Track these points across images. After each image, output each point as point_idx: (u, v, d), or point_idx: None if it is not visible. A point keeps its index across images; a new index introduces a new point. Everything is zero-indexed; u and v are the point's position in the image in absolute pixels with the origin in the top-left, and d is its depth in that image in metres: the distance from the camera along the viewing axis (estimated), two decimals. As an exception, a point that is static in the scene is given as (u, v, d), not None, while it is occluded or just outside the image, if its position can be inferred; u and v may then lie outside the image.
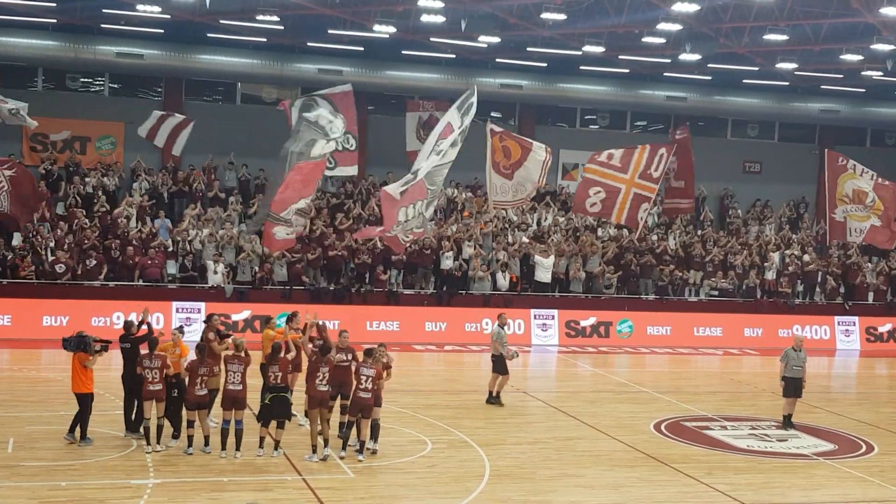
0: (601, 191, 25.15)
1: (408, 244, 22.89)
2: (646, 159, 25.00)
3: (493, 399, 21.21)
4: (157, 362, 15.95)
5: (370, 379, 16.06)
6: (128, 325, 17.05)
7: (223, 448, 15.89)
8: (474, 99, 19.77)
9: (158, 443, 16.05)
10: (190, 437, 16.00)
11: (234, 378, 15.88)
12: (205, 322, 18.07)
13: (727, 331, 31.95)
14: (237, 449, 15.90)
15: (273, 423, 16.05)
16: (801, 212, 40.41)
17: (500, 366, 21.18)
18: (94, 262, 28.03)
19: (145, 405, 16.09)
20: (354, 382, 16.19)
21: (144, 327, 17.05)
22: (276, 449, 16.05)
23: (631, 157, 25.11)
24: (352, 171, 23.77)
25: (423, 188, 18.85)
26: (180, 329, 17.42)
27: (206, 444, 16.06)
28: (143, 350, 16.28)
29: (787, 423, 20.08)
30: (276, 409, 15.93)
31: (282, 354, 16.12)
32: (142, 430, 16.16)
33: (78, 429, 16.34)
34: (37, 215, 27.51)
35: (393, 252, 29.49)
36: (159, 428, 16.15)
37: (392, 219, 18.71)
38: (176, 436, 16.32)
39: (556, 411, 21.04)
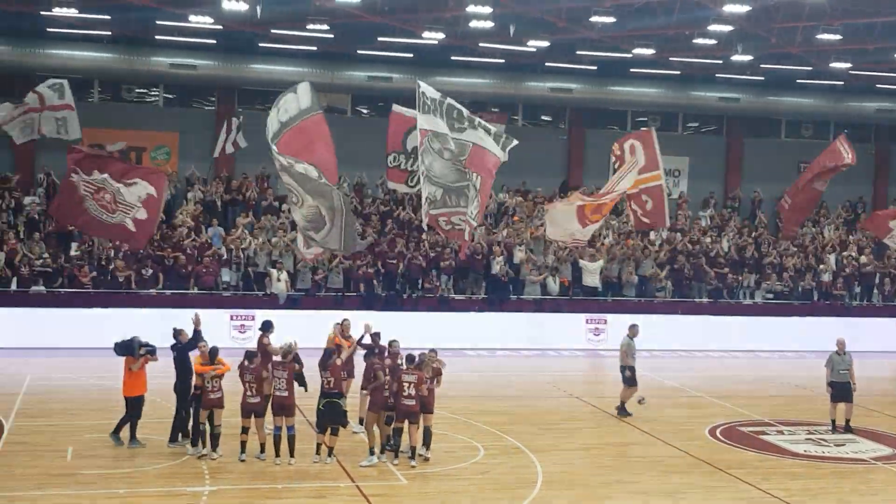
0: (649, 198, 24.57)
1: (470, 240, 22.62)
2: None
3: (622, 410, 20.82)
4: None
5: (412, 385, 16.15)
6: (176, 332, 17.22)
7: (276, 455, 16.02)
8: (420, 89, 19.49)
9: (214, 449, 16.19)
10: (243, 444, 16.14)
11: (279, 384, 15.99)
12: (260, 329, 18.21)
13: (783, 334, 31.55)
14: (290, 455, 16.01)
15: (328, 429, 16.15)
16: (859, 212, 39.77)
17: (630, 377, 20.82)
18: (150, 270, 28.44)
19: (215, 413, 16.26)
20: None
21: (189, 334, 17.17)
22: (329, 455, 16.13)
23: (653, 150, 24.37)
24: (404, 187, 23.74)
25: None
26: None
27: (262, 450, 16.20)
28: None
29: (845, 428, 19.77)
30: (327, 415, 16.04)
31: (333, 360, 16.22)
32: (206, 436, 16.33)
33: (127, 431, 16.69)
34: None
35: (443, 258, 29.67)
36: (215, 437, 16.27)
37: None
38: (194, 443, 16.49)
39: (609, 416, 20.94)
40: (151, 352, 16.96)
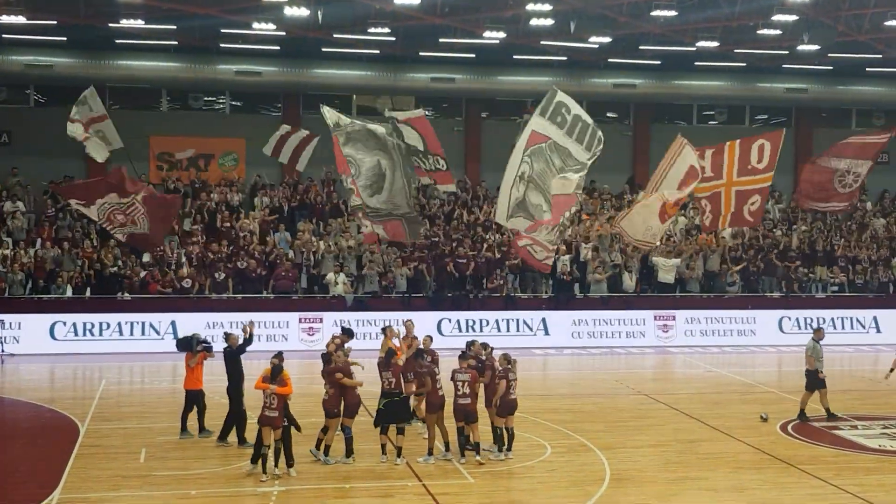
0: (709, 203, 24.31)
1: (545, 259, 22.65)
2: (739, 157, 24.02)
3: (802, 416, 19.98)
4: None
5: (466, 384, 16.22)
6: (227, 336, 17.50)
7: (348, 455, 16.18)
8: (557, 98, 19.39)
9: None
10: (319, 441, 16.32)
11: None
12: (339, 336, 18.35)
13: (857, 327, 31.01)
14: (346, 455, 16.15)
15: (393, 430, 16.24)
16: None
17: (812, 381, 20.14)
18: (223, 275, 28.88)
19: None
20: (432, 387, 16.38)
21: (240, 339, 17.41)
22: (398, 456, 16.19)
23: (722, 158, 24.17)
24: (450, 187, 23.95)
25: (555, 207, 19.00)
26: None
27: (326, 453, 16.29)
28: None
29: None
30: (389, 414, 16.12)
31: (395, 360, 16.31)
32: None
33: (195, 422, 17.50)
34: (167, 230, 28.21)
35: (512, 258, 29.70)
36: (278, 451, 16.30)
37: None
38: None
39: (678, 413, 20.74)
40: (208, 349, 17.56)
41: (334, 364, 16.17)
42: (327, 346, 17.53)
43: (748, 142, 23.68)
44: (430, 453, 16.35)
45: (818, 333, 20.58)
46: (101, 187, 22.48)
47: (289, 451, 15.45)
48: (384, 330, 18.09)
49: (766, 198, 23.83)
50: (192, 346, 17.48)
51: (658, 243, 24.41)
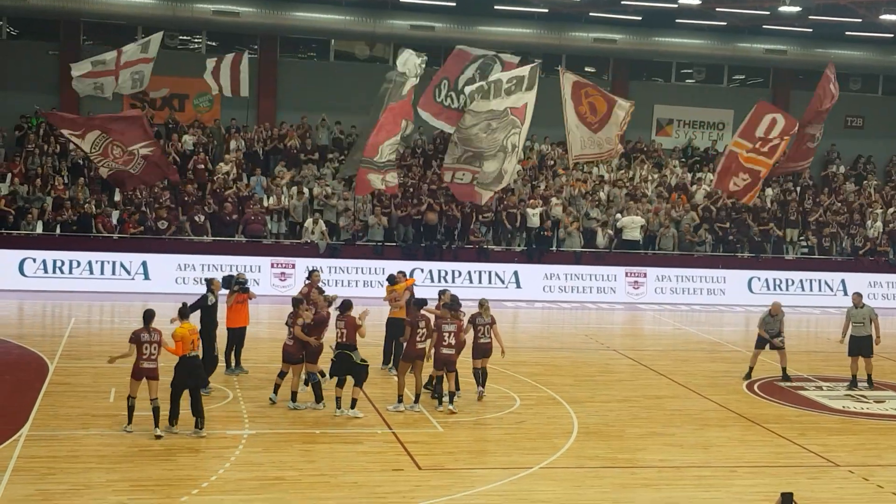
0: (747, 176, 23.59)
1: (488, 199, 23.25)
2: (751, 116, 23.39)
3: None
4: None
5: (452, 335, 16.27)
6: (209, 282, 17.55)
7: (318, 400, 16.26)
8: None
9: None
10: (276, 387, 16.40)
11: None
12: (307, 279, 18.60)
13: (825, 289, 31.35)
14: (316, 401, 16.23)
15: (349, 382, 15.99)
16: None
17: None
18: (202, 217, 28.74)
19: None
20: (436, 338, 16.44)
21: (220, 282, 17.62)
22: (351, 407, 15.95)
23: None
24: (449, 129, 23.84)
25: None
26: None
27: (294, 399, 16.34)
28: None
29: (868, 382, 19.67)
30: (341, 366, 15.89)
31: (349, 312, 15.95)
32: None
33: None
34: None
35: (480, 208, 29.73)
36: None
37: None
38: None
39: (646, 369, 20.94)
40: (244, 290, 17.77)
41: (302, 311, 16.22)
42: (300, 291, 17.56)
43: (764, 108, 23.21)
44: (400, 400, 16.41)
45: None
46: (110, 123, 22.47)
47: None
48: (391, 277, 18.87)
49: (758, 184, 23.24)
50: (229, 285, 17.80)
51: (608, 147, 23.46)
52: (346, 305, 16.04)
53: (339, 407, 15.95)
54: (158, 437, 14.26)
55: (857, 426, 17.04)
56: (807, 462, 14.82)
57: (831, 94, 24.11)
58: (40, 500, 11.79)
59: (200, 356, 15.27)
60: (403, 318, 17.39)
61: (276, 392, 16.43)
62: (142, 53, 27.69)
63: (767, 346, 20.06)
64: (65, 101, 33.74)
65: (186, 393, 14.61)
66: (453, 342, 16.36)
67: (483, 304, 17.40)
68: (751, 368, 20.18)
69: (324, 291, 17.61)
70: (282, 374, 16.36)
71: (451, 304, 16.76)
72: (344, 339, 15.79)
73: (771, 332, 19.94)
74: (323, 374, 16.34)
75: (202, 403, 14.78)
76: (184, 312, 14.99)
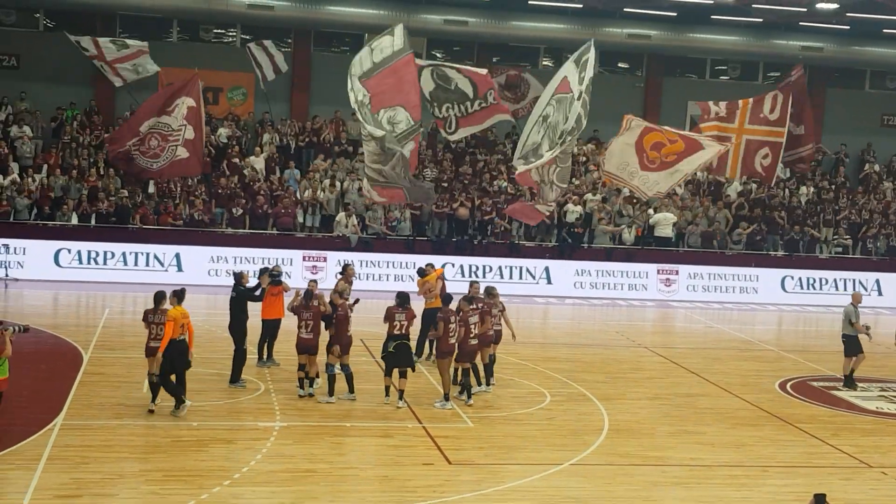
0: (769, 154, 24.19)
1: (546, 215, 22.91)
2: (751, 107, 24.05)
3: (849, 382, 19.59)
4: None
5: (477, 325, 16.53)
6: (237, 276, 17.62)
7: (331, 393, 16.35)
8: (592, 54, 19.49)
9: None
10: (300, 380, 16.53)
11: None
12: (340, 274, 18.68)
13: (859, 289, 31.01)
14: (330, 393, 16.28)
15: (395, 372, 16.35)
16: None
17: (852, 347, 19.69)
18: (240, 210, 28.98)
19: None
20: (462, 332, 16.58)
21: (254, 281, 17.67)
22: (399, 399, 16.31)
23: (735, 108, 24.29)
24: (505, 116, 23.80)
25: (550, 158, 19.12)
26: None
27: (311, 384, 16.51)
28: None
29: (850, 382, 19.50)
30: (399, 357, 16.22)
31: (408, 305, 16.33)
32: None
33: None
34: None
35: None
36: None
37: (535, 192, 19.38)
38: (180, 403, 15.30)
39: (677, 367, 20.85)
40: (276, 282, 17.83)
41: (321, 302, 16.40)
42: (336, 284, 17.81)
43: (762, 95, 23.76)
44: (447, 399, 16.45)
45: (855, 297, 20.16)
46: (161, 100, 23.73)
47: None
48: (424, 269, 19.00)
49: (779, 155, 23.68)
50: (263, 277, 17.89)
51: (636, 188, 23.36)
52: (405, 298, 16.28)
53: (388, 395, 16.31)
54: (151, 411, 15.02)
55: (890, 427, 16.89)
56: (839, 463, 14.71)
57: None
58: (74, 489, 11.92)
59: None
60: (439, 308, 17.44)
61: (301, 386, 16.53)
62: (123, 50, 28.38)
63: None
64: (99, 94, 34.05)
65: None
66: (478, 333, 16.61)
67: (491, 291, 17.60)
68: (852, 371, 19.61)
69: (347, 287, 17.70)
70: (302, 367, 16.52)
71: (468, 297, 16.92)
72: (403, 331, 16.09)
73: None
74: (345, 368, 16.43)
75: (185, 387, 15.16)
76: (179, 296, 15.38)
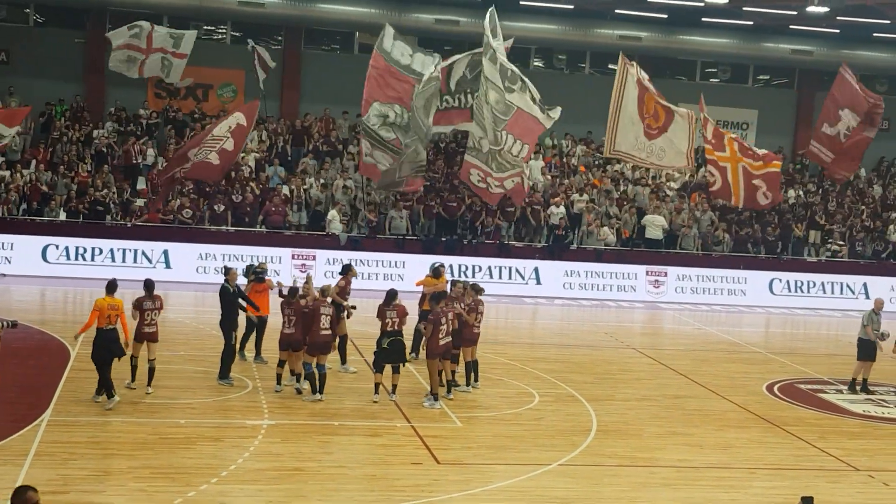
0: (716, 171, 24.74)
1: (500, 196, 23.44)
2: (737, 141, 24.54)
3: (854, 387, 19.51)
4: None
5: (450, 323, 16.55)
6: (227, 270, 17.58)
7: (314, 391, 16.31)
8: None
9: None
10: (278, 376, 16.59)
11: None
12: (340, 274, 18.64)
13: (847, 293, 31.18)
14: (319, 392, 16.22)
15: (388, 369, 16.36)
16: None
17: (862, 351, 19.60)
18: (222, 207, 28.84)
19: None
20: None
21: (239, 273, 17.63)
22: (392, 392, 16.35)
23: (721, 136, 24.61)
24: (448, 128, 24.29)
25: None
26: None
27: (298, 380, 16.53)
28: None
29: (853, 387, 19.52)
30: (393, 354, 16.24)
31: (397, 301, 16.36)
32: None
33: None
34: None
35: (506, 205, 29.65)
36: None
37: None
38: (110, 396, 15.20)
39: (665, 368, 20.88)
40: (258, 279, 17.96)
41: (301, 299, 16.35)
42: (337, 283, 17.92)
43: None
44: (436, 398, 16.44)
45: (877, 303, 19.93)
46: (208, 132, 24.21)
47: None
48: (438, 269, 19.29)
49: (779, 184, 23.98)
50: (246, 275, 18.13)
51: (653, 164, 23.87)
52: (393, 295, 16.37)
53: (377, 392, 16.33)
54: (148, 392, 15.75)
55: (877, 430, 16.95)
56: (827, 466, 14.74)
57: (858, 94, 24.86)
58: (61, 485, 11.86)
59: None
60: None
61: (279, 382, 16.55)
62: (173, 47, 28.26)
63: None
64: (89, 89, 33.96)
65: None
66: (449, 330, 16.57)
67: (476, 288, 17.62)
68: (862, 379, 19.54)
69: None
70: (281, 363, 16.55)
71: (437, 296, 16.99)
72: (396, 328, 16.16)
73: (875, 329, 19.48)
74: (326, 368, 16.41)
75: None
76: (110, 287, 15.67)
